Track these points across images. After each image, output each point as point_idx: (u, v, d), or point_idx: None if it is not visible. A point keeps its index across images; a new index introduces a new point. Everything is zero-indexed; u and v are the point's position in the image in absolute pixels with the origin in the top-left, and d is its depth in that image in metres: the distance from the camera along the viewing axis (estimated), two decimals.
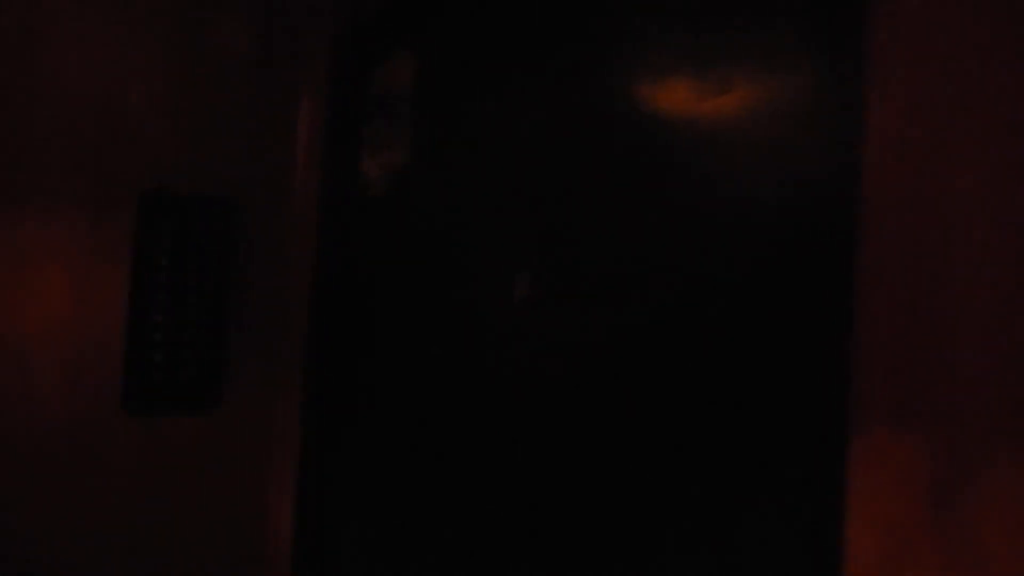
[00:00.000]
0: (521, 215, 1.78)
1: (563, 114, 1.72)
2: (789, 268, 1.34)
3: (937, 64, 1.18)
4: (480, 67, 1.92)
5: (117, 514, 2.08)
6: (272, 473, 2.24)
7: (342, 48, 2.21)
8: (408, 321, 2.03)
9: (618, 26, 1.63)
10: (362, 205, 2.16)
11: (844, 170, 1.25)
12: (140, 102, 2.08)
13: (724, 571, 1.36)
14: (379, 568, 2.03)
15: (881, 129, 1.22)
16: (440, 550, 1.89)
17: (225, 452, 2.20)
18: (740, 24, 1.43)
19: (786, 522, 1.29)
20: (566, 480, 1.63)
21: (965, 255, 1.14)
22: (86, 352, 2.03)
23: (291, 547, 2.22)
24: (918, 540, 1.14)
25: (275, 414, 2.24)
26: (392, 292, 2.08)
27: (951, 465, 1.13)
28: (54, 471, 2.02)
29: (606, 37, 1.66)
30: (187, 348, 2.13)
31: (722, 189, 1.44)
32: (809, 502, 1.26)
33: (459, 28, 1.98)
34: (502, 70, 1.87)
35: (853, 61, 1.25)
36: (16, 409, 1.98)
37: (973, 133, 1.14)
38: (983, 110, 1.14)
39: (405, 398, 2.02)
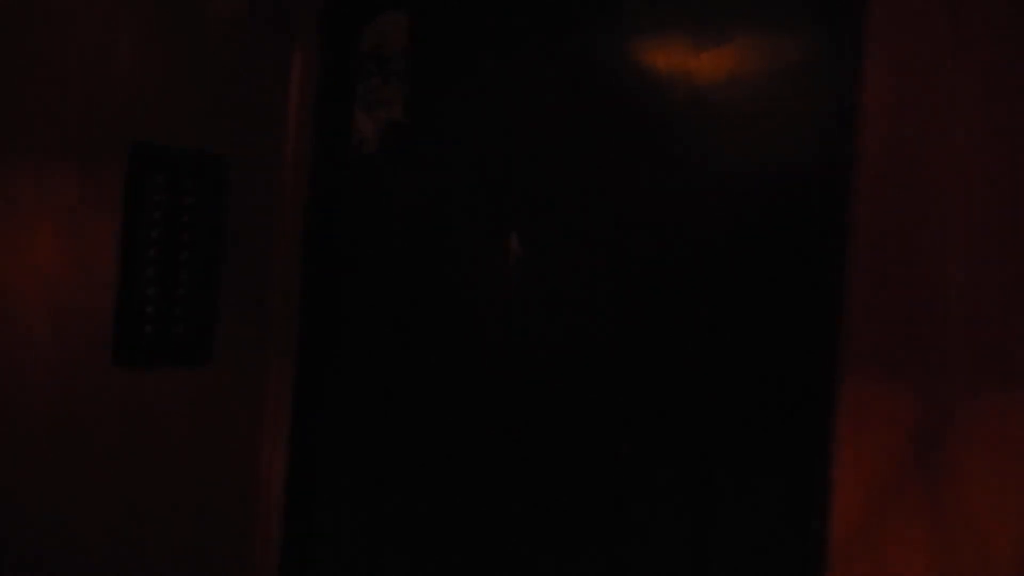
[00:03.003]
0: (515, 172, 1.79)
1: (559, 69, 1.72)
2: (783, 222, 1.36)
3: (936, 17, 1.19)
4: (473, 22, 1.91)
5: (107, 467, 2.08)
6: (264, 428, 2.25)
7: (335, 4, 2.20)
8: (401, 279, 2.04)
9: None
10: (355, 162, 2.16)
11: (841, 122, 1.27)
12: (131, 56, 2.06)
13: (718, 513, 1.38)
14: (372, 524, 2.06)
15: (879, 81, 1.23)
16: (434, 505, 1.91)
17: (216, 408, 2.20)
18: None
19: (776, 466, 1.32)
20: (555, 426, 1.65)
21: (954, 211, 1.16)
22: (77, 305, 2.02)
23: (283, 502, 2.23)
24: (904, 481, 1.17)
25: (267, 370, 2.24)
26: (385, 249, 2.09)
27: (936, 409, 1.16)
28: (43, 424, 2.01)
29: None
30: (179, 302, 2.12)
31: (720, 141, 1.45)
32: (798, 446, 1.28)
33: None
34: (495, 26, 1.86)
35: (853, 14, 1.26)
36: (6, 362, 1.98)
37: (970, 87, 1.16)
38: (981, 64, 1.15)
39: (399, 355, 2.03)
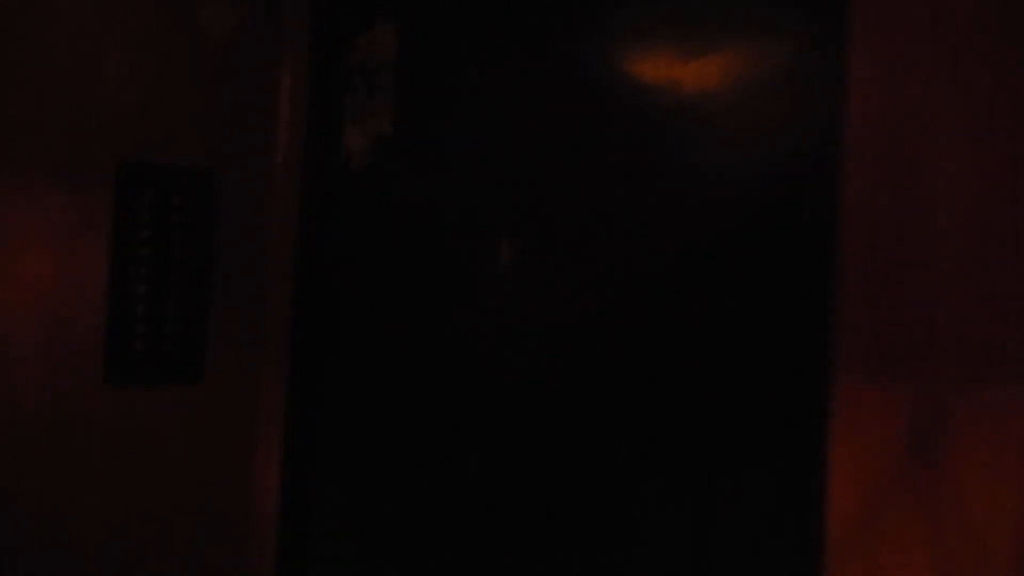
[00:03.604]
0: (505, 182, 1.80)
1: (544, 80, 1.74)
2: (774, 227, 1.37)
3: (920, 22, 1.21)
4: (461, 35, 1.93)
5: (98, 486, 2.07)
6: (257, 444, 2.24)
7: (322, 18, 2.21)
8: (394, 291, 2.04)
9: None
10: (345, 176, 2.17)
11: (829, 126, 1.28)
12: (118, 73, 2.06)
13: (710, 518, 1.39)
14: (368, 536, 2.05)
15: (865, 85, 1.24)
16: (430, 515, 1.90)
17: (209, 425, 2.19)
18: None
19: (770, 471, 1.32)
20: (552, 430, 1.65)
21: (944, 208, 1.18)
22: (67, 324, 2.02)
23: (277, 520, 2.22)
24: (899, 479, 1.18)
25: (260, 386, 2.24)
26: (377, 262, 2.09)
27: (930, 411, 1.16)
28: (34, 444, 2.00)
29: (587, 3, 1.67)
30: (169, 319, 2.12)
31: (708, 148, 1.46)
32: (792, 450, 1.29)
33: None
34: (483, 38, 1.88)
35: (837, 20, 1.27)
36: None
37: (955, 89, 1.17)
38: (970, 65, 1.17)
39: (393, 368, 2.03)
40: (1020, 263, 1.11)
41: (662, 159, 1.53)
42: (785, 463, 1.31)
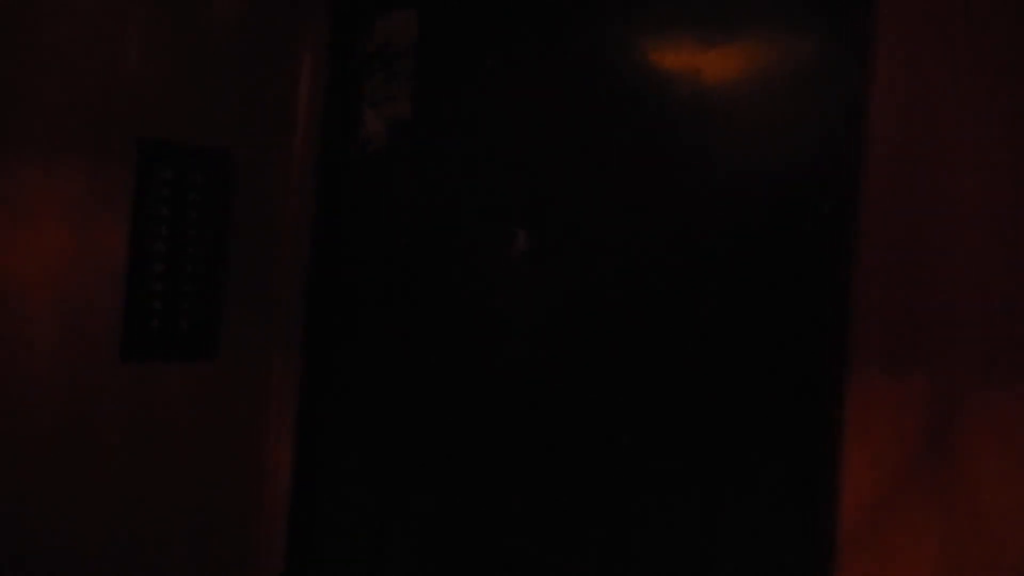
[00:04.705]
0: (522, 169, 1.80)
1: (565, 67, 1.74)
2: (792, 217, 1.37)
3: (947, 15, 1.20)
4: (481, 20, 1.93)
5: (113, 462, 2.09)
6: (270, 422, 2.25)
7: (343, 1, 2.21)
8: (408, 274, 2.05)
9: None
10: (362, 158, 2.17)
11: (850, 120, 1.28)
12: (139, 53, 2.06)
13: (726, 509, 1.40)
14: (377, 515, 2.06)
15: (888, 79, 1.24)
16: (440, 498, 1.92)
17: (223, 402, 2.21)
18: None
19: (785, 462, 1.33)
20: (563, 420, 1.66)
21: (964, 207, 1.18)
22: (85, 300, 2.03)
23: (289, 495, 2.24)
24: (914, 475, 1.18)
25: (274, 364, 2.25)
26: (392, 245, 2.10)
27: (945, 404, 1.17)
28: (51, 419, 2.02)
29: None
30: (186, 297, 2.13)
31: (727, 139, 1.46)
32: (806, 442, 1.30)
33: None
34: (503, 23, 1.88)
35: (863, 11, 1.27)
36: (13, 358, 1.98)
37: (981, 86, 1.17)
38: (993, 63, 1.16)
39: (405, 348, 2.04)
40: None
41: (681, 148, 1.53)
42: (800, 455, 1.32)
